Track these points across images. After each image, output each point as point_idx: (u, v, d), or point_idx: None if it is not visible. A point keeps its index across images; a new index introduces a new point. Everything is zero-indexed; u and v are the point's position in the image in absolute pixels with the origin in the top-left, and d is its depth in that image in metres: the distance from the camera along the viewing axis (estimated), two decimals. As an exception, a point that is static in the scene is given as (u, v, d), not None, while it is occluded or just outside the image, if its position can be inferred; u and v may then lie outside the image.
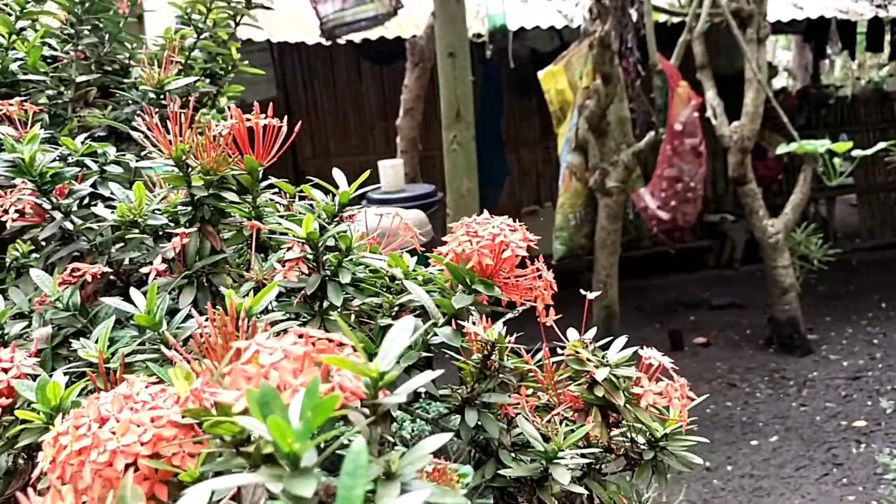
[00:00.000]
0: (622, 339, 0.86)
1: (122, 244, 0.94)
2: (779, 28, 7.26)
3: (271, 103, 0.92)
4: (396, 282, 0.90)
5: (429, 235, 4.16)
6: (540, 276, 0.77)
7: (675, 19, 5.99)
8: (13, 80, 1.20)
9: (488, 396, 0.80)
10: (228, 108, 1.18)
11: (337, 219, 0.86)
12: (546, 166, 7.51)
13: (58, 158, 0.99)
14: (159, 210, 0.85)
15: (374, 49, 6.41)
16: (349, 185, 0.90)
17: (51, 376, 0.74)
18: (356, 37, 5.52)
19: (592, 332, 0.90)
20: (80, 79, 1.18)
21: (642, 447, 0.87)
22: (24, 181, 0.92)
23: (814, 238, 5.63)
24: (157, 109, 1.37)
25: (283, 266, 0.78)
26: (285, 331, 0.75)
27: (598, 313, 5.15)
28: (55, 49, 1.30)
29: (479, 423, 0.79)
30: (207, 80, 1.39)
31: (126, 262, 0.96)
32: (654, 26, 4.86)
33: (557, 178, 5.45)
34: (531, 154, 7.80)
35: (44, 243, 1.03)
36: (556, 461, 0.77)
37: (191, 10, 1.26)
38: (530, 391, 0.91)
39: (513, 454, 0.82)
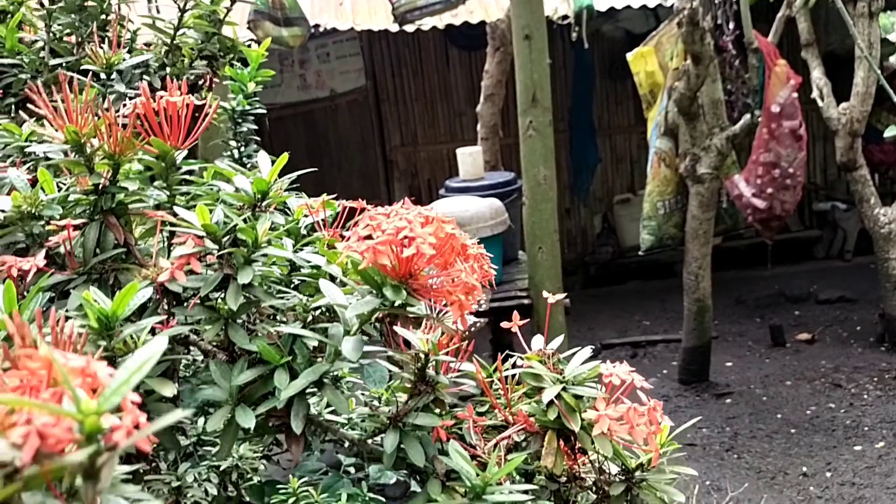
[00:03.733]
0: (586, 351, 0.72)
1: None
2: (899, 0, 6.68)
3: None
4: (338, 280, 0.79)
5: (505, 224, 4.04)
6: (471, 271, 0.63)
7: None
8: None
9: (415, 417, 0.68)
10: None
11: (258, 209, 0.75)
12: (641, 153, 7.22)
13: None
14: (61, 200, 0.76)
15: (461, 35, 6.29)
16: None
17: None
18: (440, 22, 5.41)
19: (558, 340, 0.76)
20: (52, 62, 1.13)
21: (614, 479, 0.73)
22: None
23: (932, 228, 5.15)
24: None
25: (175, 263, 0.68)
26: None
27: (688, 307, 4.88)
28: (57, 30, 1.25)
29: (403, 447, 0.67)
30: (204, 63, 1.31)
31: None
32: (752, 1, 4.54)
33: (650, 165, 5.19)
34: (625, 140, 7.52)
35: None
36: (483, 497, 0.64)
37: (171, -14, 1.19)
38: (485, 408, 0.78)
39: (445, 484, 0.69)
